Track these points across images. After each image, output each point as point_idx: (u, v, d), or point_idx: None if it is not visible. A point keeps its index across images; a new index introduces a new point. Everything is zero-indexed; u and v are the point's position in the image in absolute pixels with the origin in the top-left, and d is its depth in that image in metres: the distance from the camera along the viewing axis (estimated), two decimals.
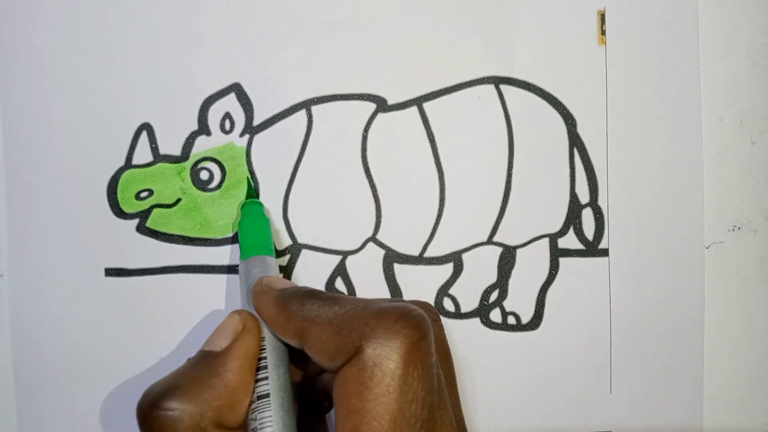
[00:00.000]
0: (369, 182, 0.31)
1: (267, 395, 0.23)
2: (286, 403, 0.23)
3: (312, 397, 0.27)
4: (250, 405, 0.23)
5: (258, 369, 0.24)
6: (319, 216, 0.31)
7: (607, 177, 0.32)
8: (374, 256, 0.31)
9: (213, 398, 0.22)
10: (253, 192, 0.30)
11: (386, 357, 0.19)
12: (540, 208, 0.32)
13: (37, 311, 0.30)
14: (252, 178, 0.31)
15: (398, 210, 0.31)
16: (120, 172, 0.31)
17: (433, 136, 0.31)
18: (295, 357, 0.25)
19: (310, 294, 0.23)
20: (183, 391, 0.22)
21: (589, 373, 0.32)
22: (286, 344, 0.25)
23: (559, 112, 0.32)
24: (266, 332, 0.25)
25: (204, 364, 0.23)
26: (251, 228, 0.28)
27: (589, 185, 0.32)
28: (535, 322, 0.31)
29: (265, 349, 0.24)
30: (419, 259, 0.31)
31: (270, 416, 0.23)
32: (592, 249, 0.32)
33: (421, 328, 0.20)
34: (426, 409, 0.19)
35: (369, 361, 0.19)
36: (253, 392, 0.23)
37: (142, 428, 0.22)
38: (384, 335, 0.19)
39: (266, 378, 0.23)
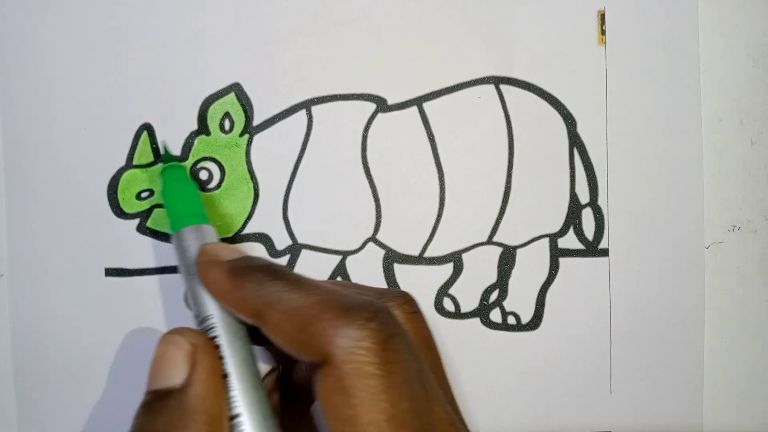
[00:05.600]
0: (369, 182, 0.31)
1: (227, 375, 0.21)
2: (251, 379, 0.21)
3: (290, 391, 0.26)
4: None
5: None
6: (319, 216, 0.31)
7: (607, 177, 0.32)
8: (374, 256, 0.31)
9: None
10: (170, 155, 0.28)
11: (362, 361, 0.18)
12: (540, 208, 0.32)
13: (37, 311, 0.30)
14: (252, 178, 0.31)
15: (398, 210, 0.31)
16: (120, 172, 0.31)
17: (433, 136, 0.31)
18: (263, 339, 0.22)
19: (268, 271, 0.21)
20: None
21: (588, 373, 0.32)
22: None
23: (559, 112, 0.32)
24: (214, 309, 0.22)
25: (172, 407, 0.20)
26: (177, 195, 0.26)
27: (589, 185, 0.32)
28: (535, 322, 0.31)
29: (214, 327, 0.22)
30: (419, 259, 0.31)
31: (235, 396, 0.21)
32: (592, 249, 0.32)
33: (390, 324, 0.19)
34: (414, 403, 0.19)
35: (345, 368, 0.18)
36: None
37: None
38: (354, 337, 0.18)
39: (221, 357, 0.21)
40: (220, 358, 0.21)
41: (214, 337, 0.22)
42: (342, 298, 0.20)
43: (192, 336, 0.21)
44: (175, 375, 0.20)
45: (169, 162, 0.27)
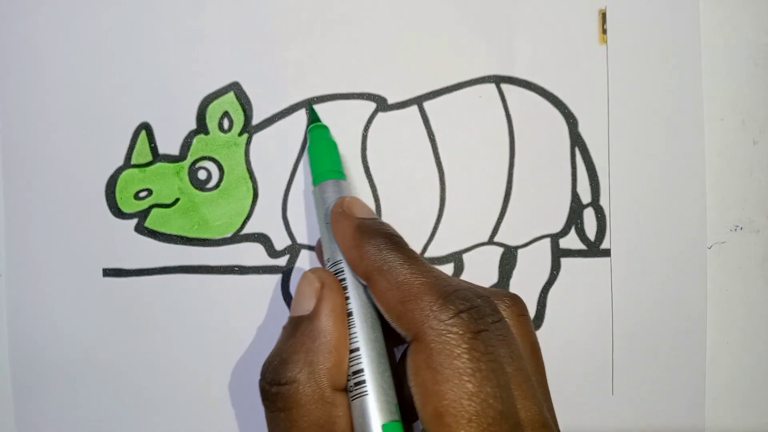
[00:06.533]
0: (369, 182, 0.31)
1: (350, 313, 0.23)
2: (369, 319, 0.23)
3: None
4: None
5: None
6: None
7: (609, 177, 0.32)
8: None
9: (321, 362, 0.22)
10: (316, 116, 0.30)
11: (451, 344, 0.20)
12: (541, 208, 0.31)
13: (35, 311, 0.30)
14: (251, 177, 0.31)
15: (398, 210, 0.31)
16: (119, 171, 0.30)
17: (433, 135, 0.31)
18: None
19: (389, 238, 0.23)
20: (293, 362, 0.22)
21: (590, 374, 0.31)
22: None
23: (561, 112, 0.31)
24: (342, 255, 0.25)
25: (300, 331, 0.23)
26: (321, 152, 0.28)
27: (591, 185, 0.32)
28: (537, 322, 0.31)
29: (343, 271, 0.24)
30: None
31: (355, 332, 0.23)
32: (594, 249, 0.32)
33: (483, 319, 0.21)
34: (499, 391, 0.20)
35: (435, 347, 0.20)
36: None
37: (267, 404, 0.22)
38: (447, 322, 0.20)
39: (348, 297, 0.24)
40: (347, 298, 0.24)
41: (342, 280, 0.24)
42: (445, 285, 0.21)
43: (322, 275, 0.24)
44: (305, 305, 0.23)
45: (315, 122, 0.30)
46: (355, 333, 0.23)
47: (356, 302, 0.24)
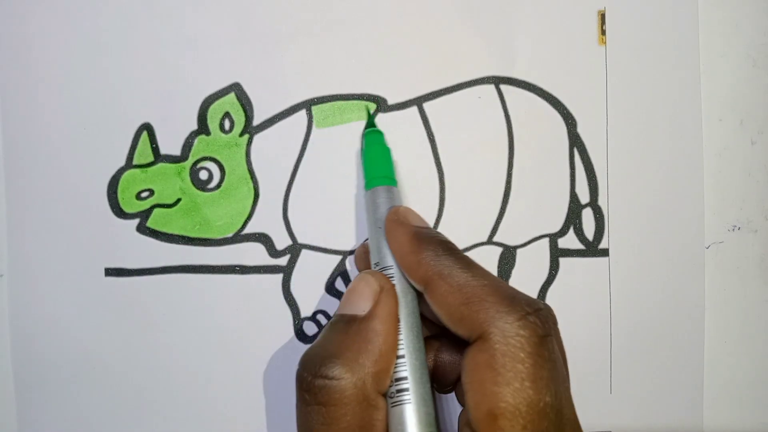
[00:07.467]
0: None
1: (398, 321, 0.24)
2: (415, 328, 0.24)
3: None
4: None
5: None
6: (319, 216, 0.31)
7: (608, 177, 0.32)
8: None
9: (370, 364, 0.22)
10: (373, 121, 0.30)
11: (516, 346, 0.20)
12: (540, 208, 0.32)
13: (37, 311, 0.30)
14: (252, 178, 0.31)
15: None
16: (120, 172, 0.31)
17: (433, 136, 0.31)
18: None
19: (446, 246, 0.24)
20: (343, 359, 0.21)
21: (589, 373, 0.32)
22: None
23: (560, 112, 0.32)
24: (393, 261, 0.25)
25: (353, 330, 0.23)
26: (375, 157, 0.28)
27: (589, 185, 0.32)
28: None
29: (392, 277, 0.24)
30: None
31: (401, 340, 0.23)
32: (593, 249, 0.32)
33: (548, 324, 0.21)
34: (555, 400, 0.20)
35: (499, 348, 0.20)
36: None
37: (305, 396, 0.21)
38: (515, 324, 0.20)
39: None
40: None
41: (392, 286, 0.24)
42: (508, 288, 0.22)
43: (381, 279, 0.24)
44: (361, 306, 0.23)
45: (371, 126, 0.30)
46: (401, 340, 0.23)
47: (404, 310, 0.24)
